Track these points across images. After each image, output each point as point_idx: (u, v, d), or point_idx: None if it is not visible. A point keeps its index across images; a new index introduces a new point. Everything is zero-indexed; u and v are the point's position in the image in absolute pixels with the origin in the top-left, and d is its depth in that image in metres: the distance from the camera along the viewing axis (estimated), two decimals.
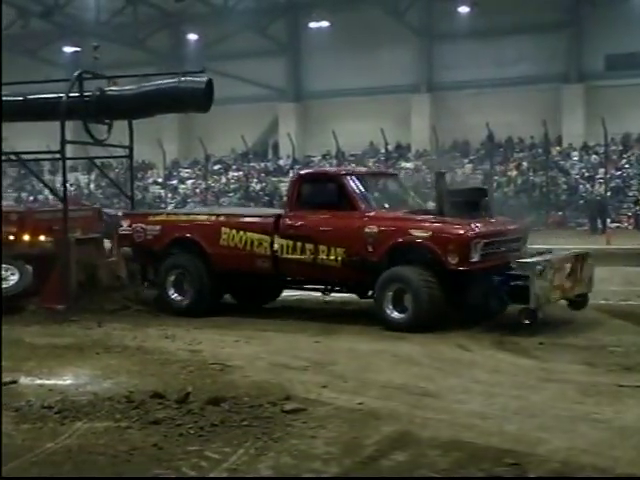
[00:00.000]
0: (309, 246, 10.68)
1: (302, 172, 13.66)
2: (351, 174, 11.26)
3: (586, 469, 5.14)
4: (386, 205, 11.10)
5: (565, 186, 32.84)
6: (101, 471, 5.26)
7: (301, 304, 12.27)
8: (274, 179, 37.47)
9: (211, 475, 5.17)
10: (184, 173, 41.49)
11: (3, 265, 11.85)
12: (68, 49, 41.33)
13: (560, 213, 31.60)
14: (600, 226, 28.32)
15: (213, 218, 11.63)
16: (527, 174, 33.93)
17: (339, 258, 10.51)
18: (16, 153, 13.75)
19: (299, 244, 10.74)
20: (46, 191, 33.46)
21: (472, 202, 10.89)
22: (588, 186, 32.20)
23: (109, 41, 32.26)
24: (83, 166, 39.30)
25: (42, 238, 12.76)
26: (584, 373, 7.73)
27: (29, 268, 11.98)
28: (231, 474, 5.16)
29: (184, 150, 42.65)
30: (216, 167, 40.50)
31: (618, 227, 29.26)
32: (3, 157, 13.58)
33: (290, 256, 10.83)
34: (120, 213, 14.14)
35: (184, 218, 12.11)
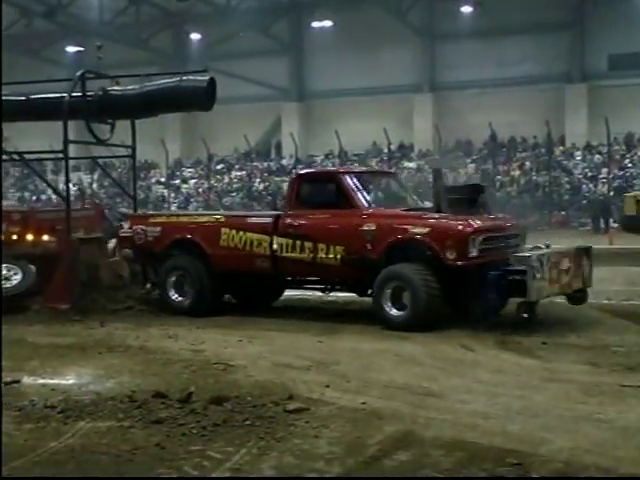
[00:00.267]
0: (308, 245, 10.69)
1: (301, 172, 13.69)
2: (349, 173, 11.28)
3: (589, 469, 5.13)
4: (384, 203, 11.12)
5: (568, 186, 32.82)
6: (104, 470, 5.26)
7: (303, 304, 12.27)
8: (277, 179, 37.47)
9: (214, 475, 5.16)
10: (187, 173, 41.52)
11: (7, 265, 11.87)
12: (71, 49, 41.38)
13: (563, 213, 31.58)
14: (603, 226, 28.27)
15: (213, 219, 11.67)
16: (530, 174, 33.93)
17: (338, 256, 10.52)
18: (19, 153, 13.75)
19: (298, 243, 10.76)
20: (49, 191, 33.52)
21: (470, 199, 10.91)
22: (591, 186, 32.17)
23: (112, 41, 32.35)
24: (86, 166, 39.36)
25: (45, 238, 12.77)
26: (587, 373, 7.72)
27: (32, 268, 12.01)
28: (234, 474, 5.16)
29: (187, 150, 42.67)
30: (219, 167, 40.54)
31: None
32: (6, 157, 13.58)
33: (289, 255, 10.84)
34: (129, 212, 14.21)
35: (184, 220, 12.16)
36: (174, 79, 12.76)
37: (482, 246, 9.91)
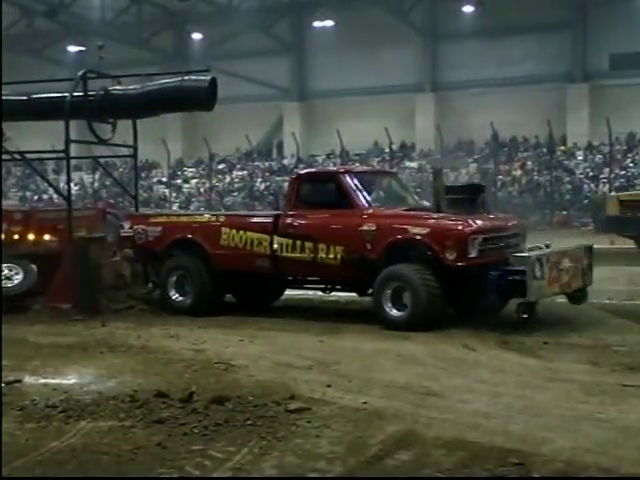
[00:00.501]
0: (308, 245, 10.69)
1: (301, 172, 13.70)
2: (349, 173, 11.27)
3: (590, 469, 5.13)
4: (385, 203, 11.13)
5: (569, 186, 32.80)
6: (105, 470, 5.26)
7: (304, 303, 12.27)
8: (278, 178, 37.47)
9: (215, 474, 5.16)
10: (188, 172, 41.51)
11: (8, 264, 11.88)
12: (72, 48, 41.37)
13: (564, 213, 31.57)
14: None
15: (213, 219, 11.68)
16: (531, 174, 33.92)
17: (338, 256, 10.52)
18: (20, 152, 13.76)
19: (298, 243, 10.76)
20: (50, 190, 33.55)
21: (470, 198, 10.90)
22: (592, 186, 32.15)
23: (113, 40, 32.34)
24: (87, 165, 39.35)
25: (47, 237, 12.78)
26: (588, 373, 7.72)
27: (34, 267, 12.02)
28: (235, 473, 5.16)
29: (188, 149, 42.66)
30: (220, 166, 40.54)
31: None
32: (8, 156, 13.58)
33: (290, 255, 10.85)
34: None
35: (185, 219, 12.17)
36: (175, 79, 12.76)
37: (482, 246, 9.90)
